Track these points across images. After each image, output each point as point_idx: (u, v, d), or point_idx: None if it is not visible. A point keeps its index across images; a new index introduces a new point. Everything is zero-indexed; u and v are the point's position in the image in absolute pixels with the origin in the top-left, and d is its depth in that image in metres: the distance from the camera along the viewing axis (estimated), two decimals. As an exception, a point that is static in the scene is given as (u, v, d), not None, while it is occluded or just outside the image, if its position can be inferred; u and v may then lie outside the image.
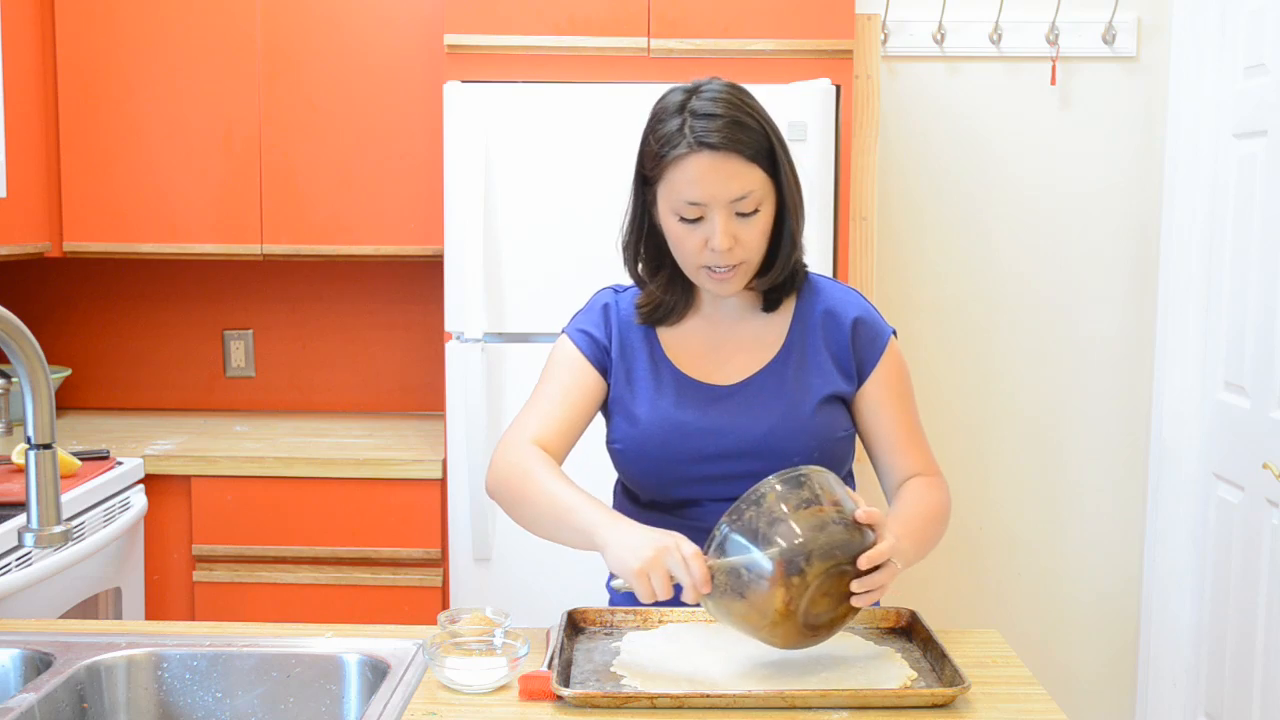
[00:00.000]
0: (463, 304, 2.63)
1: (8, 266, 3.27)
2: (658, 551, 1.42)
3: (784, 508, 1.40)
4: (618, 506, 1.78)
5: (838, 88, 2.70)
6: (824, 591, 1.39)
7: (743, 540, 1.40)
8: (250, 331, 3.36)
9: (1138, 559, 3.31)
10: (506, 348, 2.66)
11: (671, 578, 1.41)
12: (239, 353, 3.36)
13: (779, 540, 1.38)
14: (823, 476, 1.46)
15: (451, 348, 2.66)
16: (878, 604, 1.76)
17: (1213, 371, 2.99)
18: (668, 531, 1.46)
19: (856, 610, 1.44)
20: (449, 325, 2.67)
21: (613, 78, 2.72)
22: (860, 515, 1.42)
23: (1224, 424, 2.93)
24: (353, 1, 2.96)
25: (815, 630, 1.42)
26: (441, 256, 2.84)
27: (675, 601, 1.67)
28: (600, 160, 2.62)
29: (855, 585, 1.39)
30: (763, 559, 1.38)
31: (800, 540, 1.38)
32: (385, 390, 3.37)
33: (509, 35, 2.73)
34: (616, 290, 1.78)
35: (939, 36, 3.16)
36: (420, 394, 3.34)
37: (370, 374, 3.36)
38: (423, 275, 3.27)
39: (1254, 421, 2.76)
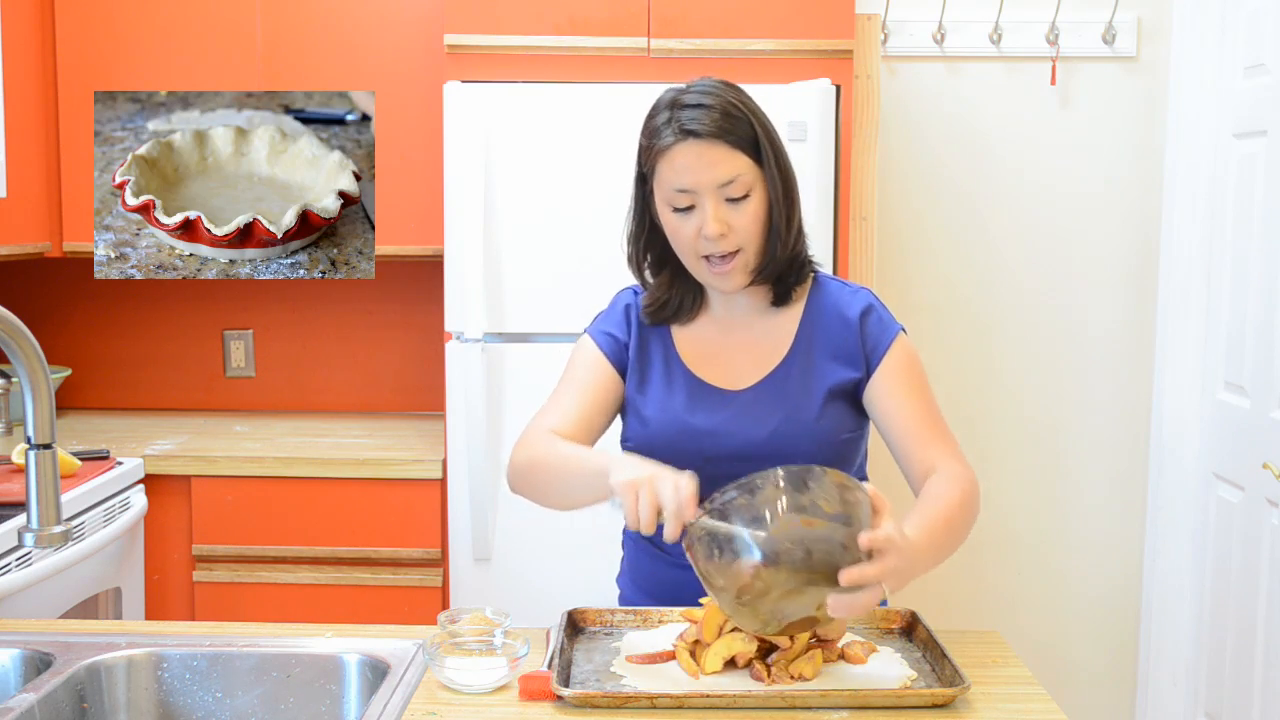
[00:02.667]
0: (463, 304, 2.63)
1: (8, 266, 3.27)
2: (656, 472, 1.41)
3: (777, 507, 1.35)
4: None
5: (838, 88, 2.70)
6: (790, 597, 1.34)
7: (716, 541, 1.37)
8: (250, 331, 3.36)
9: (1138, 559, 3.31)
10: (506, 348, 2.66)
11: (658, 513, 1.38)
12: (239, 353, 3.36)
13: (757, 539, 1.34)
14: (832, 485, 1.38)
15: (451, 348, 2.66)
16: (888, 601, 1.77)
17: (1213, 371, 2.99)
18: (676, 470, 1.43)
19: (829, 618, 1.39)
20: (449, 325, 2.67)
21: (613, 78, 2.72)
22: (863, 541, 1.34)
23: (1224, 424, 2.93)
24: (353, 1, 2.96)
25: (780, 627, 1.38)
26: (441, 256, 2.84)
27: (676, 601, 1.67)
28: (600, 160, 2.62)
29: (830, 603, 1.33)
30: (725, 566, 1.35)
31: (775, 549, 1.33)
32: (385, 390, 3.37)
33: (509, 35, 2.73)
34: (636, 291, 1.78)
35: (939, 36, 3.16)
36: (420, 394, 3.34)
37: (370, 374, 3.36)
38: (423, 275, 3.27)
39: (1254, 421, 2.76)
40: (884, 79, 3.18)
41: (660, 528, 1.39)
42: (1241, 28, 2.85)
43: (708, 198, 1.57)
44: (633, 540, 1.80)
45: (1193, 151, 3.03)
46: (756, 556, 1.34)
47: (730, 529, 1.36)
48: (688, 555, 1.40)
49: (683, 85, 1.63)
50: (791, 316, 1.71)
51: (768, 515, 1.35)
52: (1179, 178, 3.08)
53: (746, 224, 1.59)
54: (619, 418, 1.77)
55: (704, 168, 1.56)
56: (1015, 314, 3.27)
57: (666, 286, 1.71)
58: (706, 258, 1.61)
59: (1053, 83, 3.18)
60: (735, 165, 1.57)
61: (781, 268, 1.66)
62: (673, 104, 1.60)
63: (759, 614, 1.36)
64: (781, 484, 1.37)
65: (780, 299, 1.69)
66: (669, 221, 1.62)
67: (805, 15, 2.72)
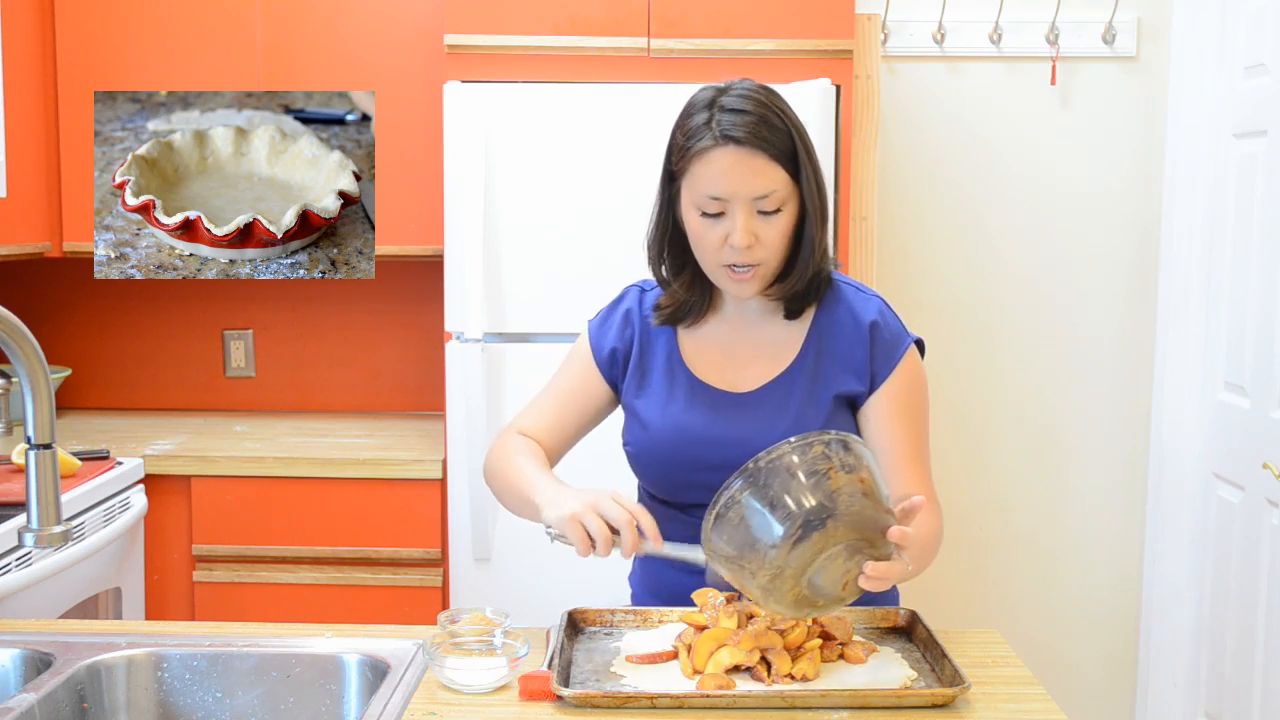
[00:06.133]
0: (463, 304, 2.63)
1: (8, 266, 3.27)
2: (595, 497, 1.46)
3: (823, 466, 1.35)
4: (642, 503, 1.78)
5: (838, 88, 2.70)
6: (833, 562, 1.34)
7: (769, 489, 1.34)
8: (250, 331, 3.36)
9: (1138, 559, 3.31)
10: (506, 348, 2.66)
11: (613, 533, 1.44)
12: (239, 353, 3.36)
13: (809, 497, 1.33)
14: (865, 448, 1.41)
15: (451, 348, 2.66)
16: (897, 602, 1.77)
17: (1213, 371, 2.99)
18: (605, 488, 1.49)
19: (853, 596, 1.39)
20: (449, 325, 2.67)
21: (613, 78, 2.72)
22: (908, 503, 1.39)
23: (1224, 424, 2.93)
24: (353, 1, 2.96)
25: (811, 602, 1.37)
26: (441, 256, 2.84)
27: (676, 601, 1.67)
28: (600, 160, 2.62)
29: (869, 568, 1.34)
30: (785, 514, 1.33)
31: (829, 503, 1.33)
32: (385, 390, 3.37)
33: (509, 35, 2.73)
34: (644, 288, 1.76)
35: (939, 36, 3.16)
36: (420, 394, 3.34)
37: (370, 374, 3.36)
38: (423, 275, 3.27)
39: (1254, 421, 2.76)
40: (884, 79, 3.18)
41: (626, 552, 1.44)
42: (1241, 28, 2.85)
43: (740, 208, 1.55)
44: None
45: (1193, 151, 3.03)
46: (813, 503, 1.33)
47: (771, 506, 1.34)
48: (709, 549, 1.38)
49: (721, 85, 1.60)
50: (802, 320, 1.69)
51: (822, 470, 1.35)
52: (1179, 178, 3.08)
53: (775, 238, 1.57)
54: (621, 416, 1.77)
55: (741, 177, 1.54)
56: (1015, 314, 3.27)
57: (686, 289, 1.69)
58: (728, 265, 1.59)
59: (1053, 83, 3.18)
60: (772, 179, 1.54)
61: (802, 286, 1.64)
62: (712, 104, 1.56)
63: (797, 585, 1.35)
64: (825, 447, 1.37)
65: (793, 315, 1.68)
66: (694, 225, 1.59)
67: (805, 15, 2.72)
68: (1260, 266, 2.74)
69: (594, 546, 1.45)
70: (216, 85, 2.97)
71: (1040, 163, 3.23)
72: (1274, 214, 2.68)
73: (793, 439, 1.37)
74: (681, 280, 1.69)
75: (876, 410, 1.66)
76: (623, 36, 2.73)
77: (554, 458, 1.74)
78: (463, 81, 2.66)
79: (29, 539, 1.35)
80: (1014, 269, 3.25)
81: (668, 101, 2.61)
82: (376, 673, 1.53)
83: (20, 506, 2.23)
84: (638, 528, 1.46)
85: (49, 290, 3.34)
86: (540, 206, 2.63)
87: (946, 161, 3.23)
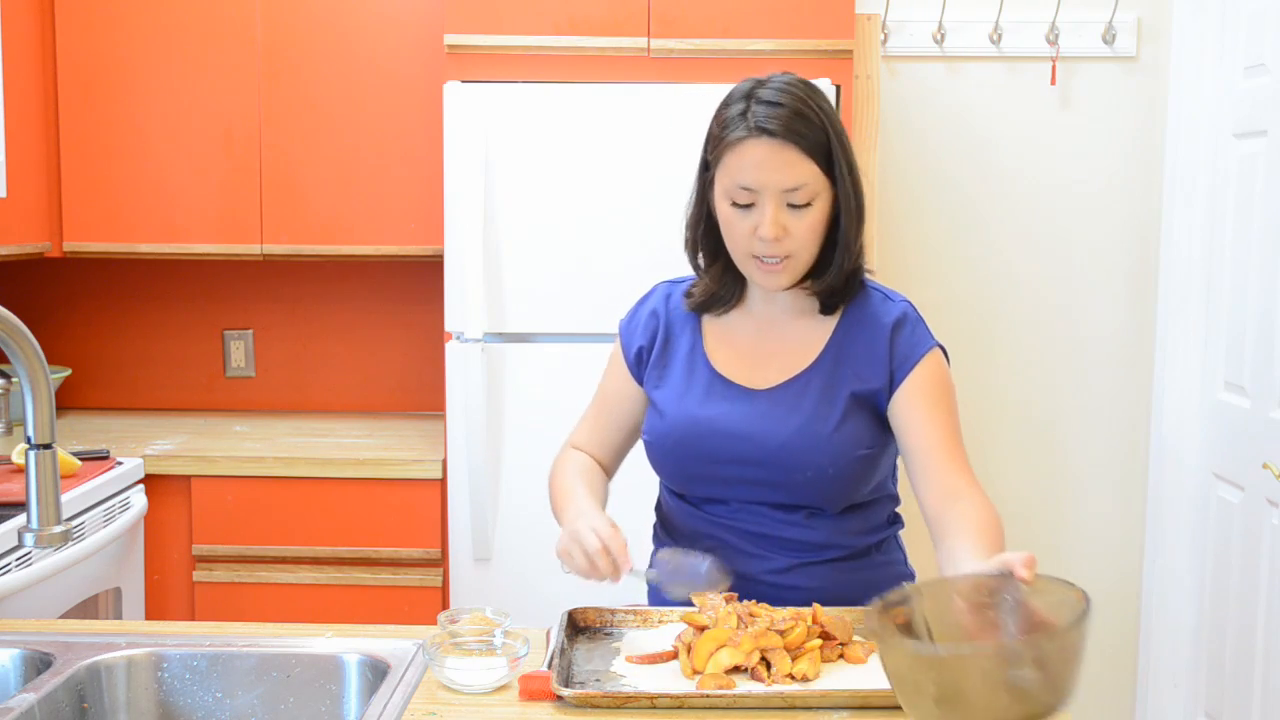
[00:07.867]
0: (463, 304, 2.63)
1: (8, 266, 3.27)
2: (576, 526, 1.56)
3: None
4: (662, 497, 1.81)
5: (838, 88, 2.70)
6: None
7: (942, 680, 1.18)
8: (250, 331, 3.36)
9: (1138, 559, 3.31)
10: (506, 348, 2.66)
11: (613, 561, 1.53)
12: (239, 353, 3.36)
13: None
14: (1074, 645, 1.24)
15: (451, 348, 2.66)
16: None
17: (1213, 371, 2.99)
18: (591, 518, 1.57)
19: None
20: (449, 325, 2.67)
21: (613, 78, 2.72)
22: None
23: (1224, 424, 2.93)
24: (353, 1, 2.96)
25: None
26: (441, 256, 2.84)
27: (676, 602, 1.67)
28: (600, 160, 2.62)
29: None
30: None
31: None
32: (385, 390, 3.37)
33: (509, 35, 2.73)
34: (669, 290, 1.78)
35: (939, 36, 3.16)
36: (420, 394, 3.34)
37: (370, 374, 3.36)
38: (423, 275, 3.27)
39: (1254, 421, 2.76)
40: (884, 79, 3.17)
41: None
42: (1241, 28, 2.85)
43: (769, 199, 1.55)
44: (660, 541, 1.80)
45: (1193, 151, 3.03)
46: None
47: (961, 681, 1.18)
48: (884, 636, 1.24)
49: (762, 77, 1.61)
50: (828, 322, 1.68)
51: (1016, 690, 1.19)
52: (1179, 178, 3.08)
53: (803, 232, 1.58)
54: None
55: (771, 169, 1.54)
56: (1015, 314, 3.27)
57: (716, 281, 1.70)
58: (757, 257, 1.60)
59: (1053, 83, 3.18)
60: (803, 172, 1.55)
61: (838, 282, 1.64)
62: (748, 96, 1.57)
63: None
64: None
65: (828, 310, 1.68)
66: (726, 214, 1.60)
67: (805, 15, 2.72)
68: (1260, 266, 2.74)
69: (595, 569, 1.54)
70: (217, 85, 2.97)
71: (1040, 163, 3.22)
72: (1274, 214, 2.68)
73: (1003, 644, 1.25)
74: (713, 272, 1.70)
75: (905, 405, 1.64)
76: (623, 36, 2.73)
77: (609, 470, 1.80)
78: (463, 81, 2.66)
79: (29, 539, 1.36)
80: (1014, 269, 3.25)
81: (668, 101, 2.63)
82: (376, 673, 1.53)
83: (20, 506, 2.23)
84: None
85: (49, 290, 3.34)
86: (540, 206, 2.63)
87: (947, 161, 3.23)
